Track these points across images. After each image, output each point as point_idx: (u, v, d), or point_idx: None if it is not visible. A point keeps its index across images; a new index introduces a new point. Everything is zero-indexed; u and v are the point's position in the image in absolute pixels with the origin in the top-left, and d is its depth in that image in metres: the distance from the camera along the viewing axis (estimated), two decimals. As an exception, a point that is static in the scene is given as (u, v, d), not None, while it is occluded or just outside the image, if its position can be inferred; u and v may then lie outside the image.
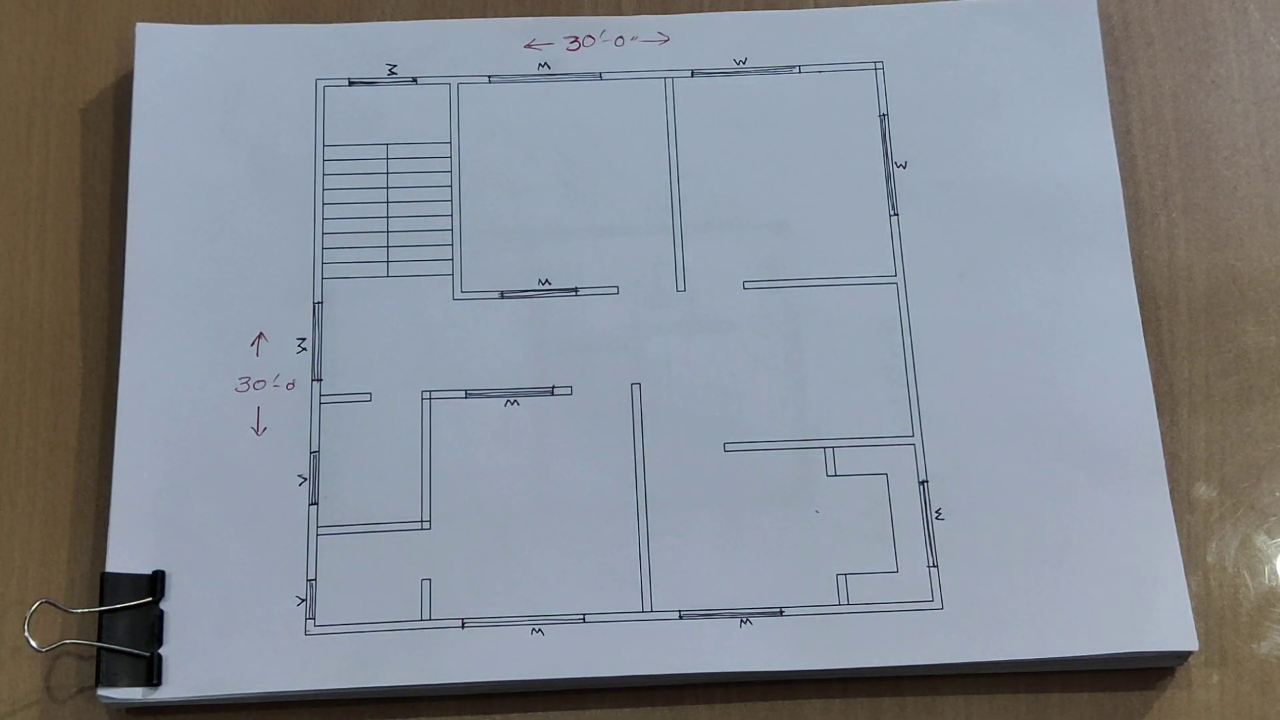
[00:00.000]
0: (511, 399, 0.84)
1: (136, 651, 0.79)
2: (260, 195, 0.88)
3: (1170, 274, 0.88)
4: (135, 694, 0.79)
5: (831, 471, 0.83)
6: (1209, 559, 0.83)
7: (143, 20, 0.91)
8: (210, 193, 0.88)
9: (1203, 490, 0.84)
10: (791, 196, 0.88)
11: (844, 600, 0.80)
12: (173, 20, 0.92)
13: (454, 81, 0.90)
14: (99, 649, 0.79)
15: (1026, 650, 0.79)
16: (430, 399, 0.84)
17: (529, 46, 0.91)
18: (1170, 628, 0.79)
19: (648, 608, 0.80)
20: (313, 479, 0.82)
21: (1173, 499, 0.82)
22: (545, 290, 0.86)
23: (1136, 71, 0.92)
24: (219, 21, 0.92)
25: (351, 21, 0.92)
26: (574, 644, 0.79)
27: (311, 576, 0.81)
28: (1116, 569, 0.80)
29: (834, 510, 0.82)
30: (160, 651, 0.79)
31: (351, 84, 0.90)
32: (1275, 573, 0.83)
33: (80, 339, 0.86)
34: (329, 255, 0.86)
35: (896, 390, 0.84)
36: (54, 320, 0.87)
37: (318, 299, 0.85)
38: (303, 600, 0.80)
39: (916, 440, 0.83)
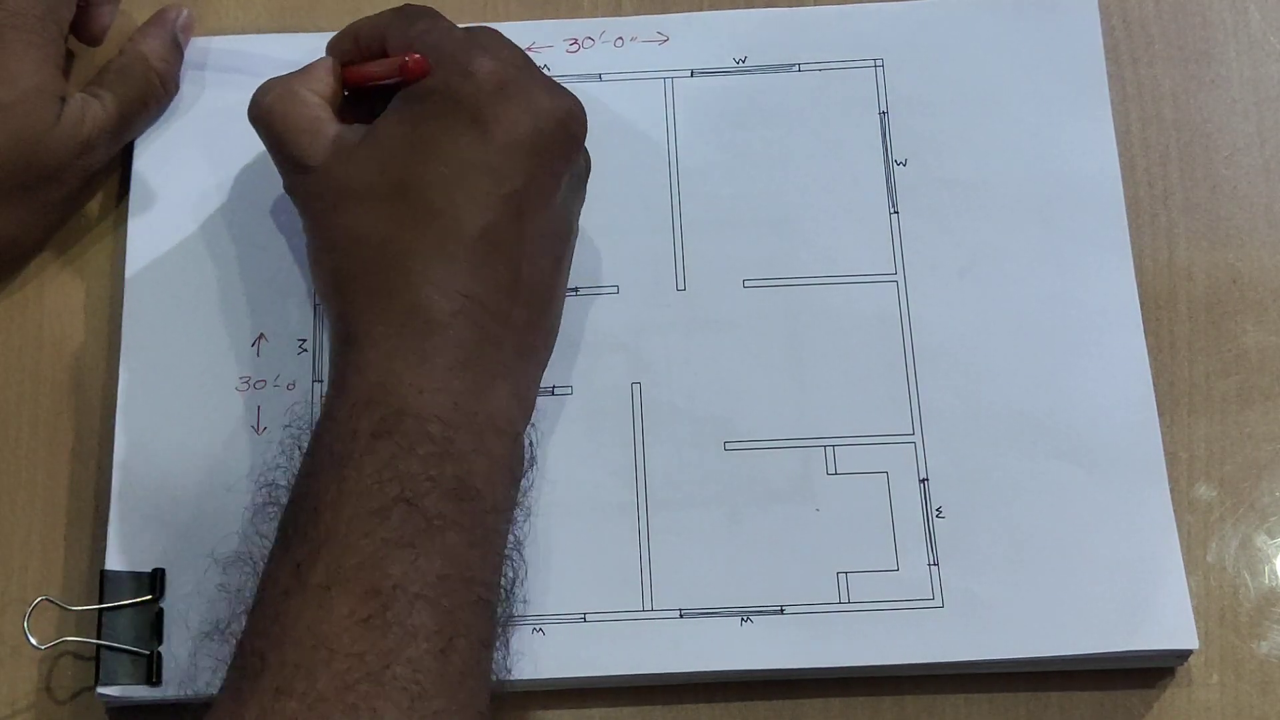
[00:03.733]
0: (512, 399, 0.84)
1: (136, 650, 0.79)
2: (261, 199, 0.88)
3: (1170, 274, 0.88)
4: (135, 692, 0.79)
5: (832, 470, 0.83)
6: (1209, 559, 0.83)
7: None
8: (211, 195, 0.88)
9: (1203, 490, 0.84)
10: (791, 195, 0.88)
11: (844, 598, 0.80)
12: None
13: (454, 83, 0.90)
14: (99, 647, 0.79)
15: (1027, 649, 0.79)
16: (430, 399, 0.84)
17: (529, 49, 0.90)
18: (1170, 627, 0.79)
19: (648, 606, 0.80)
20: (313, 479, 0.82)
21: (1173, 499, 0.82)
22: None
23: (1136, 71, 0.92)
24: (220, 32, 0.92)
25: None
26: (574, 643, 0.79)
27: (311, 576, 0.81)
28: (1117, 568, 0.80)
29: (834, 508, 0.82)
30: (160, 650, 0.79)
31: None
32: (1275, 573, 0.83)
33: (80, 338, 0.87)
34: (329, 256, 0.86)
35: (897, 388, 0.84)
36: (54, 319, 0.87)
37: (318, 300, 0.85)
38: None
39: (917, 438, 0.83)
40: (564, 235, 0.80)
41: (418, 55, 0.76)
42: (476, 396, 0.72)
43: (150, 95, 0.88)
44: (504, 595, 0.74)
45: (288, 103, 0.79)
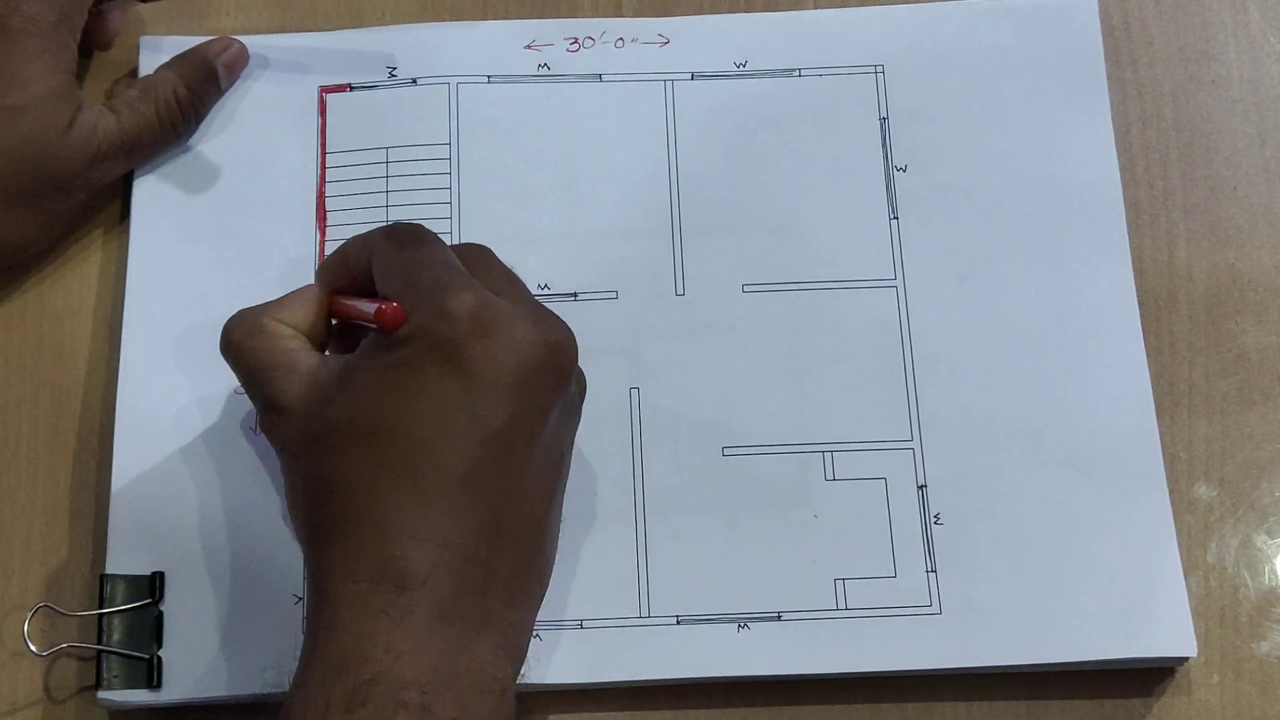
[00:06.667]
0: (511, 402, 0.84)
1: (136, 654, 0.79)
2: (262, 200, 0.88)
3: (1170, 274, 0.88)
4: (136, 696, 0.79)
5: (830, 476, 0.83)
6: (1209, 559, 0.83)
7: (145, 33, 0.92)
8: (213, 197, 0.88)
9: (1203, 490, 0.84)
10: (791, 200, 0.88)
11: (842, 605, 0.80)
12: (175, 33, 0.92)
13: (453, 81, 0.90)
14: (99, 651, 0.79)
15: (1025, 655, 0.79)
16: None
17: (529, 48, 0.91)
18: (1169, 633, 0.80)
19: (645, 613, 0.80)
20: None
21: (1173, 499, 0.82)
22: (545, 295, 0.85)
23: (1136, 71, 0.92)
24: (221, 33, 0.92)
25: (351, 27, 0.93)
26: (572, 649, 0.80)
27: (311, 576, 0.81)
28: (1116, 574, 0.81)
29: (832, 515, 0.82)
30: (160, 653, 0.79)
31: (353, 89, 0.90)
32: (1275, 573, 0.83)
33: (81, 340, 0.87)
34: (329, 259, 0.86)
35: (896, 394, 0.84)
36: (55, 321, 0.87)
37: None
38: (301, 599, 0.80)
39: (915, 445, 0.83)
40: (554, 469, 0.75)
41: (395, 305, 0.71)
42: (458, 655, 0.67)
43: (165, 120, 0.87)
44: None
45: (257, 338, 0.76)
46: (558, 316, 0.74)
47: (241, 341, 0.76)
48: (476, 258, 0.76)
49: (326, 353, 0.78)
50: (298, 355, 0.75)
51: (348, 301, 0.77)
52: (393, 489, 0.69)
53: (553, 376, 0.72)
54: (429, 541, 0.68)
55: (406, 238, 0.75)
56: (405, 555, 0.68)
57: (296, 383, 0.74)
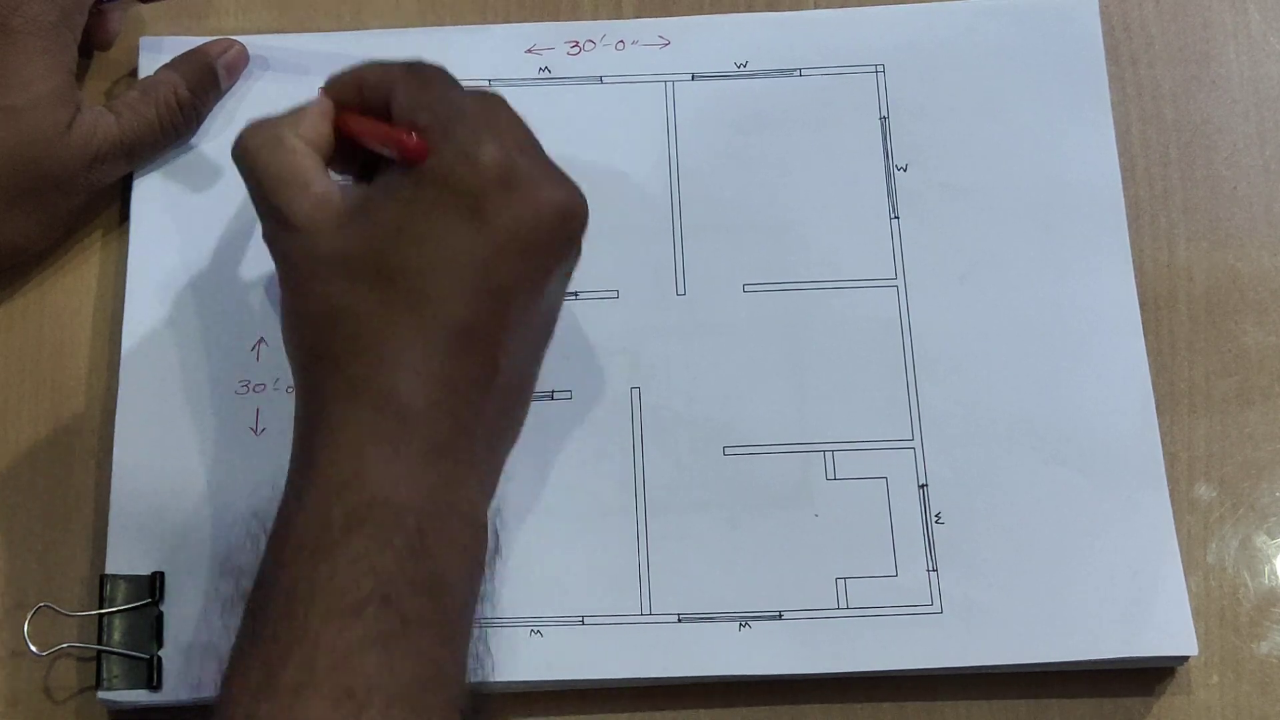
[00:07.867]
0: (511, 403, 0.84)
1: (136, 654, 0.79)
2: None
3: (1170, 274, 0.88)
4: (135, 696, 0.79)
5: (831, 475, 0.83)
6: (1209, 559, 0.83)
7: (145, 33, 0.92)
8: (213, 198, 0.88)
9: (1203, 490, 0.84)
10: (792, 199, 0.88)
11: (843, 604, 0.80)
12: (175, 33, 0.92)
13: (454, 83, 0.90)
14: (99, 651, 0.79)
15: (1026, 654, 0.79)
16: (430, 402, 0.84)
17: (530, 51, 0.91)
18: (1170, 632, 0.79)
19: (646, 610, 0.80)
20: (312, 481, 0.82)
21: (1173, 499, 0.82)
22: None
23: (1136, 71, 0.92)
24: (221, 33, 0.92)
25: (352, 29, 0.93)
26: (572, 646, 0.79)
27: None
28: (1116, 574, 0.80)
29: (833, 514, 0.82)
30: (160, 654, 0.79)
31: None
32: (1275, 573, 0.83)
33: (81, 340, 0.87)
34: (329, 259, 0.86)
35: (896, 394, 0.84)
36: (55, 321, 0.87)
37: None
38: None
39: (916, 444, 0.83)
40: (545, 331, 0.77)
41: (419, 139, 0.71)
42: (448, 488, 0.69)
43: (166, 121, 0.87)
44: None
45: (273, 150, 0.74)
46: (573, 182, 0.74)
47: (258, 151, 0.74)
48: (497, 109, 0.75)
49: (330, 173, 0.76)
50: (313, 175, 0.74)
51: (364, 122, 0.75)
52: (400, 326, 0.70)
53: (562, 244, 0.73)
54: (430, 379, 0.69)
55: (433, 77, 0.74)
56: (408, 389, 0.69)
57: (309, 201, 0.72)
